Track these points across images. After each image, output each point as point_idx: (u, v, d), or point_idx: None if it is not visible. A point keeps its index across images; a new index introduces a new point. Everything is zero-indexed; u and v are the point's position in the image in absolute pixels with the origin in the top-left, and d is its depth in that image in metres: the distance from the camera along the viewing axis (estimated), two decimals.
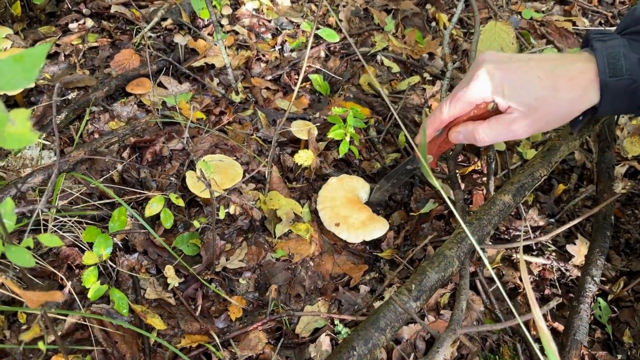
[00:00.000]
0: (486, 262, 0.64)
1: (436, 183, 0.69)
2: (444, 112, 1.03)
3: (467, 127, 1.02)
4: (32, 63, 0.65)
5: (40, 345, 0.73)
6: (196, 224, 1.29)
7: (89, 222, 1.33)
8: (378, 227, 1.35)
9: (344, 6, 2.17)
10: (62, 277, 1.19)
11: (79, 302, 1.17)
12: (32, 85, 1.54)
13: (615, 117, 1.60)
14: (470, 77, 0.98)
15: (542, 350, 1.21)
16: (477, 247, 0.64)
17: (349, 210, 1.39)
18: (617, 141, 1.70)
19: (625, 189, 1.59)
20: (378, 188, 1.43)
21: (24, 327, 1.13)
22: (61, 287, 1.21)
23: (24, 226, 1.05)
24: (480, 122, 1.01)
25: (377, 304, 1.28)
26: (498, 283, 0.64)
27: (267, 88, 1.83)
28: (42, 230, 1.24)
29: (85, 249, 1.26)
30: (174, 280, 1.28)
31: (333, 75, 1.81)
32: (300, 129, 1.54)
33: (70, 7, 1.89)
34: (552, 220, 1.53)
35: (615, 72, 0.82)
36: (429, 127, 1.09)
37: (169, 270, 1.28)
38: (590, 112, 0.93)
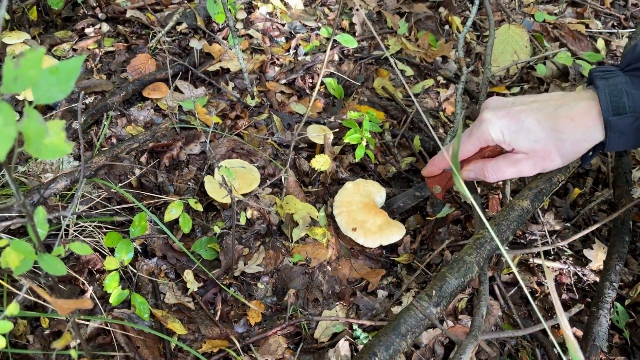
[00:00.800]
0: (513, 266, 0.65)
1: (468, 194, 0.70)
2: (449, 152, 1.08)
3: (477, 165, 1.07)
4: (67, 75, 0.65)
5: (72, 352, 0.74)
6: (216, 228, 1.29)
7: (109, 227, 1.34)
8: (395, 232, 1.36)
9: (357, 10, 2.18)
10: (84, 281, 1.20)
11: (100, 307, 1.18)
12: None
13: None
14: (475, 124, 1.03)
15: (560, 357, 1.21)
16: (503, 251, 0.64)
17: (365, 215, 1.40)
18: None
19: None
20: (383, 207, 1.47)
21: (47, 331, 1.14)
22: (82, 292, 1.22)
23: (50, 233, 1.06)
24: (489, 160, 1.04)
25: (395, 309, 1.28)
26: (523, 286, 0.65)
27: (282, 92, 1.84)
28: (64, 236, 1.25)
29: (105, 254, 1.27)
30: (193, 285, 1.29)
31: (347, 78, 1.82)
32: (318, 134, 1.55)
33: (86, 11, 1.91)
34: (568, 224, 1.53)
35: (619, 110, 0.83)
36: (438, 164, 1.15)
37: (188, 275, 1.29)
38: (600, 147, 0.94)
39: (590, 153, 0.97)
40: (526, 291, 0.67)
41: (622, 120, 0.82)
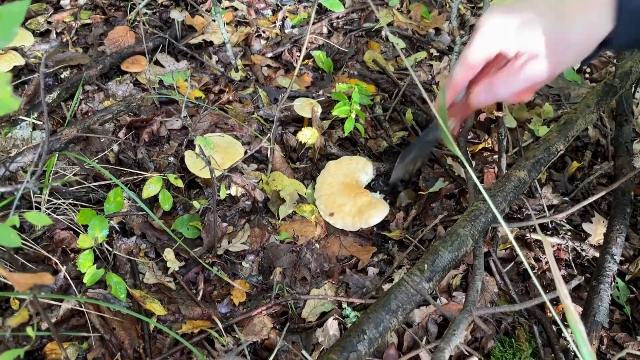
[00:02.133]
0: (511, 237, 0.58)
1: (457, 150, 0.63)
2: (454, 76, 0.95)
3: (485, 84, 0.93)
4: (10, 21, 0.59)
5: (29, 330, 0.67)
6: (196, 204, 1.23)
7: (85, 204, 1.27)
8: (374, 214, 1.30)
9: None
10: (57, 261, 1.13)
11: (74, 288, 1.12)
12: (23, 63, 1.47)
13: (633, 89, 1.53)
14: (473, 33, 0.91)
15: (559, 333, 1.16)
16: (501, 220, 0.58)
17: (345, 197, 1.33)
18: (632, 119, 1.63)
19: None
20: (398, 165, 1.32)
21: (17, 314, 1.08)
22: (56, 272, 1.16)
23: (9, 204, 0.99)
24: (496, 74, 0.93)
25: (386, 287, 1.22)
26: (523, 259, 0.58)
27: (268, 65, 1.76)
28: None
29: (80, 232, 1.20)
30: (173, 264, 1.22)
31: (338, 47, 1.74)
32: (303, 106, 1.48)
33: None
34: (567, 198, 1.47)
35: None
36: (450, 92, 1.01)
37: (168, 254, 1.23)
38: (604, 46, 0.84)
39: (593, 51, 0.87)
40: (527, 264, 0.61)
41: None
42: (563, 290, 0.64)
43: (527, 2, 0.85)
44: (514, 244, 0.60)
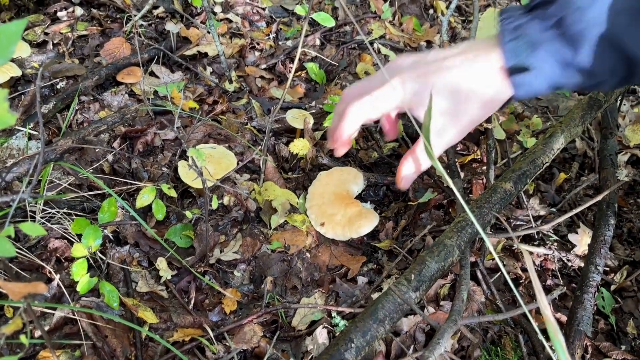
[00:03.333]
0: (491, 249, 0.61)
1: (440, 167, 0.66)
2: (331, 128, 0.88)
3: (409, 160, 0.88)
4: (7, 40, 0.61)
5: (22, 338, 0.69)
6: (188, 214, 1.25)
7: (79, 213, 1.30)
8: (364, 224, 1.32)
9: None
10: (50, 270, 1.15)
11: (67, 296, 1.13)
12: (19, 74, 1.49)
13: (618, 103, 1.56)
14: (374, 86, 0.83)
15: (546, 340, 1.18)
16: (482, 233, 0.61)
17: (336, 207, 1.36)
18: (619, 129, 1.66)
19: (629, 176, 1.56)
20: None
21: (11, 322, 1.09)
22: (50, 281, 1.17)
23: (5, 215, 1.01)
24: (412, 150, 0.90)
25: (375, 296, 1.25)
26: (503, 271, 0.61)
27: (262, 77, 1.79)
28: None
29: (74, 241, 1.22)
30: (166, 273, 1.24)
31: (330, 61, 1.77)
32: (296, 118, 1.50)
33: None
34: (554, 209, 1.49)
35: (519, 66, 0.72)
36: (332, 135, 0.90)
37: (161, 263, 1.25)
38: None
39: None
40: (506, 275, 0.63)
41: (526, 78, 0.72)
42: (543, 301, 0.66)
43: (435, 64, 0.81)
44: (494, 254, 0.63)
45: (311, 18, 1.85)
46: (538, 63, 0.72)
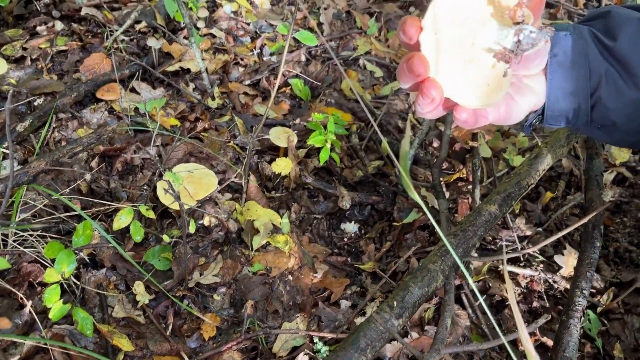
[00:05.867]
0: (470, 280, 0.59)
1: (417, 197, 0.63)
2: None
3: None
4: None
5: None
6: (166, 238, 1.22)
7: (54, 236, 1.26)
8: None
9: (325, 9, 2.12)
10: (22, 296, 1.11)
11: (39, 323, 1.09)
12: None
13: None
14: None
15: None
16: (460, 264, 0.58)
17: None
18: (605, 147, 1.65)
19: (614, 197, 1.55)
20: None
21: None
22: (22, 307, 1.14)
23: None
24: None
25: (358, 320, 1.22)
26: (481, 300, 0.58)
27: (246, 93, 1.77)
28: (2, 246, 1.16)
29: (48, 265, 1.18)
30: (143, 297, 1.21)
31: (313, 81, 1.75)
32: (279, 137, 1.48)
33: (40, 9, 1.81)
34: (540, 229, 1.48)
35: (563, 29, 0.73)
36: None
37: (138, 287, 1.21)
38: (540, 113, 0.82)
39: (532, 120, 0.83)
40: (482, 303, 0.61)
41: (566, 36, 0.72)
42: (524, 334, 0.64)
43: None
44: (473, 285, 0.61)
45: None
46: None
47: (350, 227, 1.47)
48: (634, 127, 0.74)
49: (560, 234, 1.15)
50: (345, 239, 1.45)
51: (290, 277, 1.31)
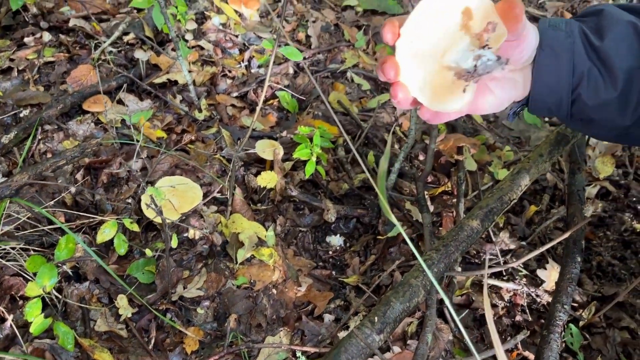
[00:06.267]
0: (445, 298, 0.59)
1: (393, 218, 0.64)
2: None
3: None
4: None
5: None
6: (148, 252, 1.22)
7: (37, 248, 1.25)
8: None
9: (313, 22, 2.13)
10: (3, 310, 1.11)
11: (20, 338, 1.09)
12: None
13: (586, 137, 1.57)
14: None
15: None
16: (435, 283, 0.59)
17: None
18: (589, 161, 1.67)
19: (597, 212, 1.56)
20: None
21: None
22: (3, 320, 1.13)
23: None
24: None
25: (341, 334, 1.22)
26: (458, 321, 0.59)
27: (233, 105, 1.77)
28: None
29: (30, 278, 1.18)
30: (126, 311, 1.20)
31: (299, 96, 1.76)
32: (264, 151, 1.48)
33: (28, 20, 1.82)
34: (524, 243, 1.49)
35: (555, 25, 0.77)
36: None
37: (121, 300, 1.21)
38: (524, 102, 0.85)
39: (516, 109, 0.87)
40: (459, 324, 0.61)
41: (555, 32, 0.76)
42: (500, 353, 0.64)
43: None
44: (448, 304, 0.61)
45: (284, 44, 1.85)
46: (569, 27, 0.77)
47: (336, 240, 1.47)
48: (609, 124, 0.78)
49: (542, 249, 1.16)
50: (330, 252, 1.45)
51: (274, 291, 1.31)
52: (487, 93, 0.74)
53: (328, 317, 1.27)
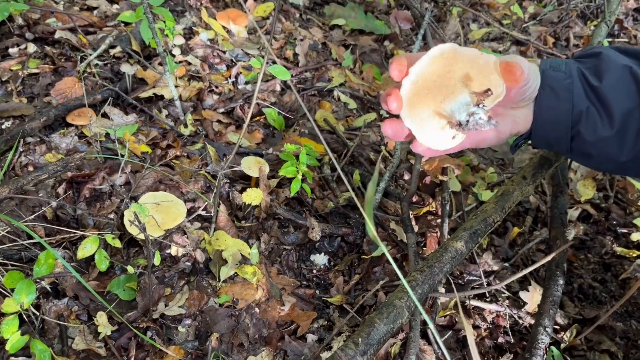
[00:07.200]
0: (429, 321, 0.59)
1: (380, 242, 0.64)
2: None
3: None
4: None
5: None
6: (130, 269, 1.20)
7: (15, 264, 1.23)
8: None
9: (301, 40, 2.14)
10: None
11: None
12: None
13: (569, 161, 1.59)
14: None
15: None
16: (420, 308, 0.59)
17: None
18: (571, 184, 1.69)
19: (578, 234, 1.58)
20: None
21: None
22: None
23: None
24: None
25: (324, 355, 1.21)
26: (441, 342, 0.59)
27: (219, 121, 1.77)
28: None
29: (7, 294, 1.15)
30: (105, 329, 1.18)
31: (285, 114, 1.76)
32: (250, 167, 1.48)
33: (13, 30, 1.80)
34: (507, 264, 1.50)
35: (555, 67, 0.84)
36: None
37: (100, 317, 1.19)
38: (529, 136, 0.90)
39: (519, 142, 0.93)
40: (441, 345, 0.61)
41: (555, 73, 0.82)
42: None
43: None
44: (432, 327, 0.61)
45: (271, 62, 1.85)
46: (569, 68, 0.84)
47: (320, 259, 1.46)
48: (607, 159, 0.85)
49: (524, 272, 1.17)
50: (315, 271, 1.45)
51: (257, 310, 1.30)
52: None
53: (311, 337, 1.26)
